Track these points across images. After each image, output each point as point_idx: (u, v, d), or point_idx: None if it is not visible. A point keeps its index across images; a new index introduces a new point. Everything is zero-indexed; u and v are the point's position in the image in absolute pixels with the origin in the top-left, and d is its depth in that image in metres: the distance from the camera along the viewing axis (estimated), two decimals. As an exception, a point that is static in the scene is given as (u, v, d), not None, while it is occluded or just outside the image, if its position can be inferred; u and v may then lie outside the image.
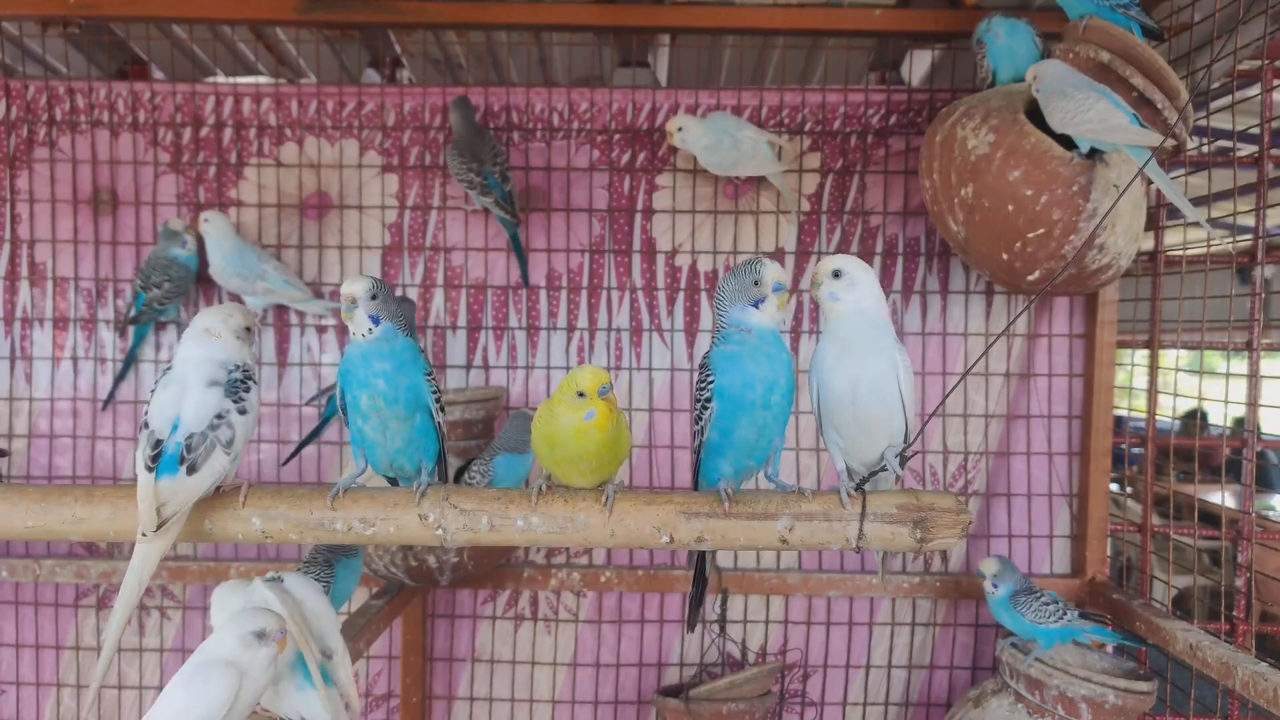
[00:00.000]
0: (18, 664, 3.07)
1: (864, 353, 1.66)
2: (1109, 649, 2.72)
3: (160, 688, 3.04)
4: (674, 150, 3.01)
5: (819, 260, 1.85)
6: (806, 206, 3.01)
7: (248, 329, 1.75)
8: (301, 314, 3.04)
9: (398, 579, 2.65)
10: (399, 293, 3.00)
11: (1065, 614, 2.45)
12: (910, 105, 2.98)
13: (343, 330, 3.04)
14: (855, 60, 3.18)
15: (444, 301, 3.04)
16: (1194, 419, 4.47)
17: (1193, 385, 2.89)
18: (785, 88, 3.02)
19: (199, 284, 2.99)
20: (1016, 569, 2.56)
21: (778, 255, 3.01)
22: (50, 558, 3.00)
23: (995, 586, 2.52)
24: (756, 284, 1.64)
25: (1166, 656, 2.53)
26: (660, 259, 3.03)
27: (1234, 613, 2.52)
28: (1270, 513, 5.70)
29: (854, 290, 1.69)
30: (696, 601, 1.93)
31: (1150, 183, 2.51)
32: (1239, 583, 2.52)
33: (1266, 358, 2.52)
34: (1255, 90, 2.58)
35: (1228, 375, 2.72)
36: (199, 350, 1.69)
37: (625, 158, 3.02)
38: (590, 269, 3.03)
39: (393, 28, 3.00)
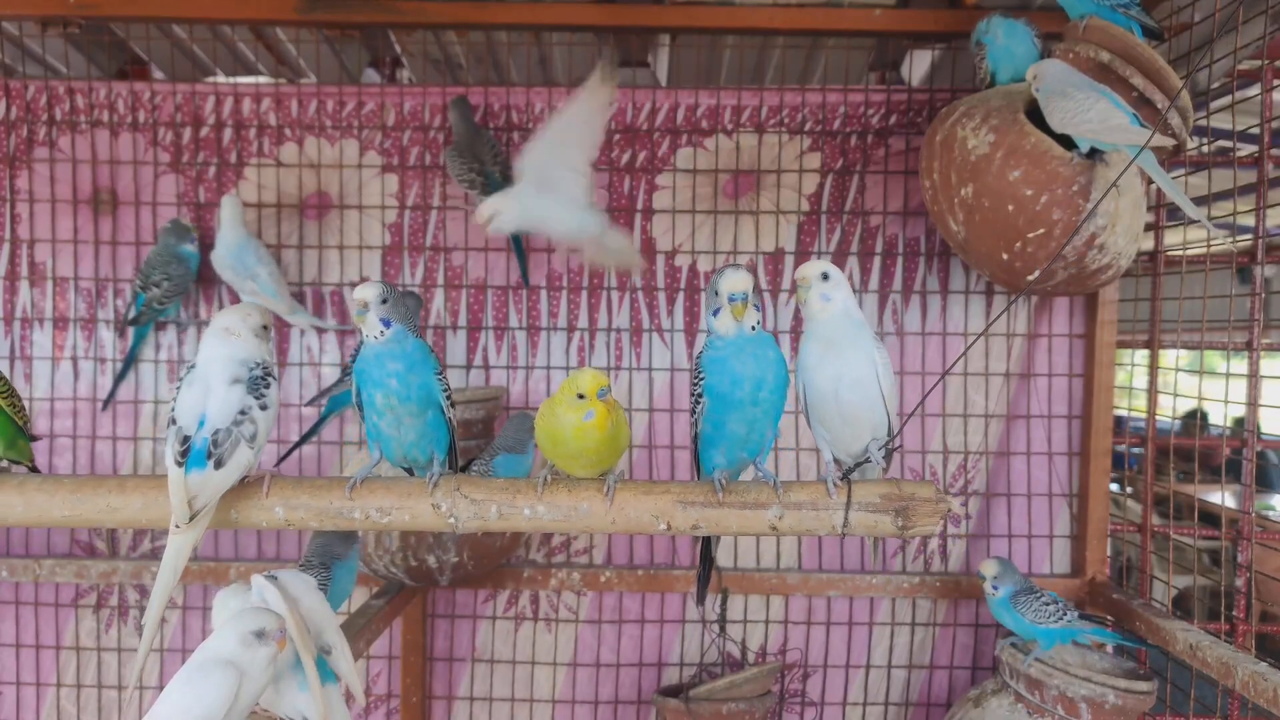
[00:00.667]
0: (17, 664, 3.07)
1: (845, 350, 1.75)
2: (1109, 649, 2.72)
3: (160, 688, 3.04)
4: (674, 150, 3.01)
5: (796, 269, 1.91)
6: (806, 206, 3.01)
7: (265, 327, 1.80)
8: (301, 314, 3.04)
9: (398, 579, 2.65)
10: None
11: (1065, 614, 2.45)
12: (910, 105, 2.98)
13: (342, 331, 3.04)
14: (855, 60, 3.18)
15: (444, 301, 3.04)
16: (1194, 419, 4.47)
17: (1193, 385, 2.89)
18: (785, 88, 3.02)
19: (199, 283, 2.99)
20: (1016, 570, 2.57)
21: (778, 255, 3.02)
22: (50, 558, 3.00)
23: (995, 588, 2.52)
24: (716, 293, 1.70)
25: (1166, 656, 2.53)
26: (660, 259, 3.03)
27: (1234, 613, 2.52)
28: (1270, 513, 5.70)
29: (840, 290, 1.78)
30: (704, 580, 2.02)
31: (1151, 183, 2.52)
32: (1239, 583, 2.52)
33: (1266, 358, 2.52)
34: (1255, 90, 2.58)
35: (1228, 375, 2.72)
36: (221, 349, 1.73)
37: (625, 158, 3.02)
38: (590, 269, 3.03)
39: (393, 28, 3.00)
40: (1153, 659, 2.71)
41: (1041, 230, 2.30)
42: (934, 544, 3.06)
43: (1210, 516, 3.15)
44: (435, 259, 3.04)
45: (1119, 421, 3.01)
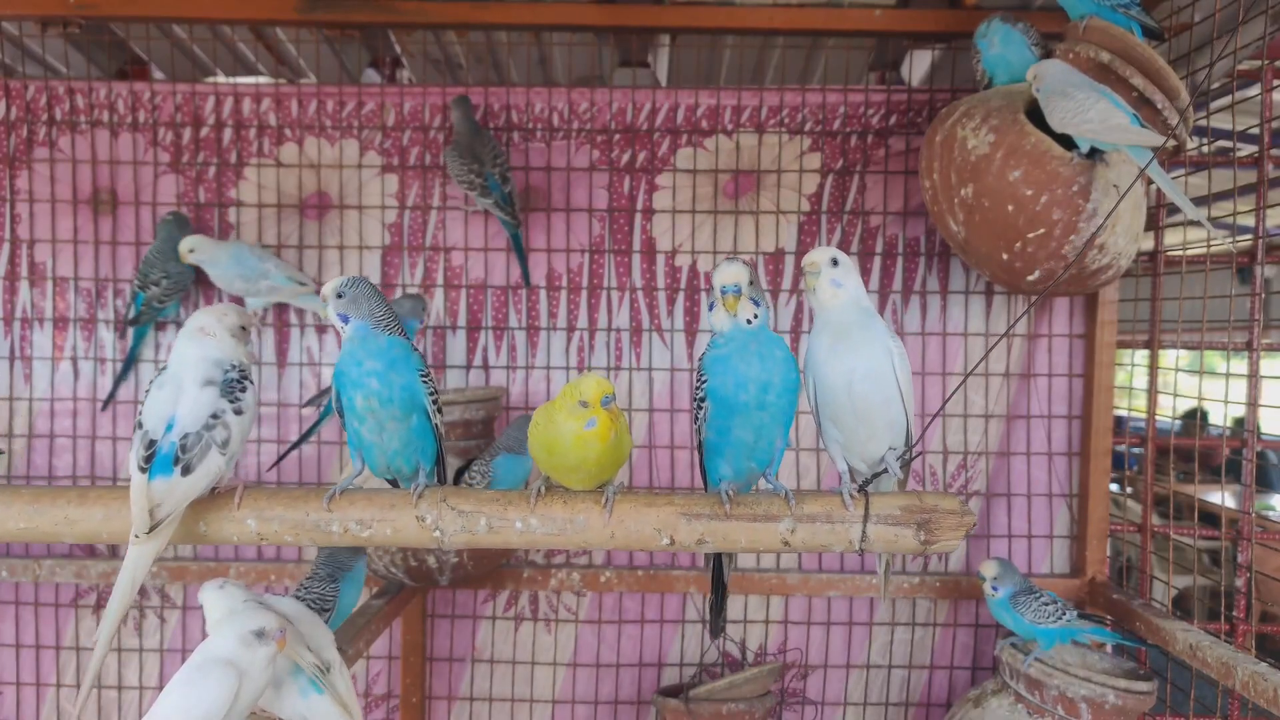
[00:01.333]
0: (17, 664, 3.07)
1: (858, 341, 1.65)
2: (1109, 649, 2.72)
3: (159, 688, 3.04)
4: (674, 150, 3.01)
5: (804, 256, 1.83)
6: (807, 206, 3.01)
7: (243, 328, 1.74)
8: (301, 314, 3.04)
9: (398, 579, 2.65)
10: (398, 292, 3.00)
11: (1065, 614, 2.45)
12: (910, 105, 2.98)
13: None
14: (855, 60, 3.18)
15: (444, 301, 3.04)
16: (1194, 418, 4.47)
17: (1193, 385, 2.89)
18: (785, 88, 3.02)
19: (198, 282, 2.99)
20: (1016, 570, 2.56)
21: (778, 255, 3.02)
22: (50, 558, 3.00)
23: (995, 589, 2.51)
24: (712, 288, 1.63)
25: (1166, 656, 2.53)
26: (660, 259, 3.03)
27: (1234, 613, 2.52)
28: (1270, 513, 5.69)
29: (852, 276, 1.68)
30: (718, 608, 1.91)
31: (1151, 183, 2.51)
32: (1239, 583, 2.52)
33: (1266, 358, 2.52)
34: (1255, 90, 2.58)
35: (1228, 375, 2.72)
36: (194, 349, 1.67)
37: (625, 158, 3.02)
38: (590, 269, 3.03)
39: (393, 28, 3.00)
40: (1153, 659, 2.71)
41: (1041, 230, 2.30)
42: (934, 544, 3.06)
43: (1210, 516, 3.15)
44: (435, 259, 3.04)
45: (1119, 421, 3.00)
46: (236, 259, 2.80)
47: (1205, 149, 2.74)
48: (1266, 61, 2.50)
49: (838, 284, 1.67)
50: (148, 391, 1.64)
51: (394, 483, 1.88)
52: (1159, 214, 2.84)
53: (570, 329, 3.03)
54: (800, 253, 3.02)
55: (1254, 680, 2.02)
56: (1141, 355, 2.97)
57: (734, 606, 3.05)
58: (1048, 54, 2.47)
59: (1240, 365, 2.61)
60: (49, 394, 3.03)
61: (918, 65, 3.37)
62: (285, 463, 2.97)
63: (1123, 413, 3.06)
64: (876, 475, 1.72)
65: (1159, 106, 2.25)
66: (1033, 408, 3.00)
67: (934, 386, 3.00)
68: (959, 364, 3.01)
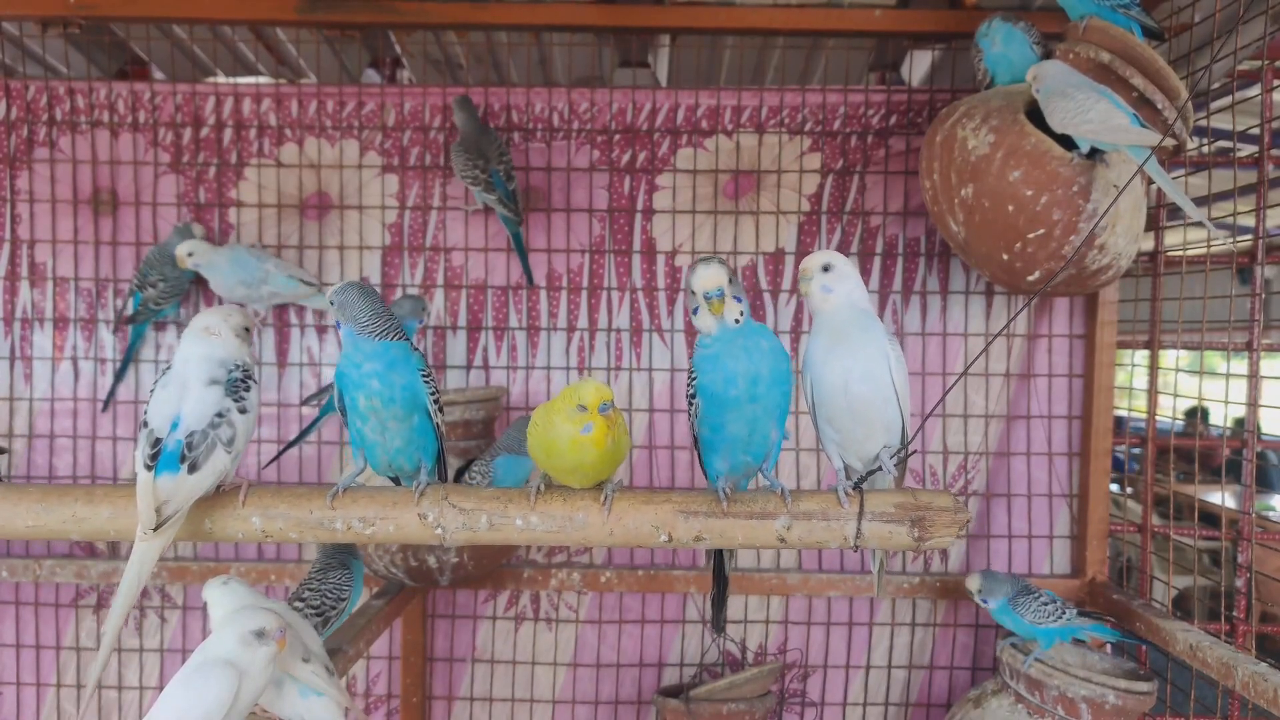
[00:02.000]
0: (18, 664, 3.07)
1: (855, 343, 1.66)
2: (1109, 649, 2.72)
3: (160, 688, 3.04)
4: (674, 150, 3.01)
5: (801, 260, 1.82)
6: (807, 207, 3.01)
7: (246, 329, 1.76)
8: (301, 314, 3.04)
9: (398, 579, 2.65)
10: (399, 292, 3.01)
11: (1064, 613, 2.45)
12: (910, 105, 2.98)
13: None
14: (855, 60, 3.18)
15: (444, 301, 3.04)
16: (1194, 416, 4.47)
17: (1193, 386, 2.88)
18: (785, 88, 3.02)
19: (197, 283, 2.99)
20: (1005, 577, 2.55)
21: (778, 255, 3.02)
22: (50, 558, 3.00)
23: (985, 601, 2.52)
24: (692, 292, 1.61)
25: (1166, 656, 2.53)
26: (660, 259, 3.03)
27: (1234, 613, 2.52)
28: (1270, 513, 5.69)
29: (845, 282, 1.69)
30: (719, 602, 1.92)
31: (1151, 183, 2.52)
32: (1239, 583, 2.52)
33: (1266, 358, 2.52)
34: (1255, 90, 2.58)
35: (1228, 375, 2.72)
36: (199, 349, 1.69)
37: (625, 158, 3.02)
38: (590, 269, 3.03)
39: (393, 28, 3.00)
40: (1153, 659, 2.71)
41: (1042, 230, 2.30)
42: (934, 544, 3.06)
43: (1210, 517, 3.15)
44: (435, 259, 3.04)
45: (1119, 422, 3.00)
46: (236, 263, 2.80)
47: (1205, 149, 2.74)
48: (1266, 61, 2.50)
49: (828, 289, 1.69)
50: (152, 391, 1.66)
51: (396, 480, 1.89)
52: (1159, 214, 2.84)
53: (570, 329, 3.03)
54: (800, 253, 3.02)
55: (1254, 680, 2.02)
56: (1142, 355, 2.97)
57: (734, 606, 3.05)
58: (1048, 54, 2.47)
59: (1240, 366, 2.61)
60: (49, 394, 3.03)
61: (918, 65, 3.38)
62: (285, 462, 2.97)
63: (1123, 413, 3.06)
64: (872, 473, 1.73)
65: (1159, 107, 2.25)
66: (1033, 408, 3.00)
67: (934, 386, 3.00)
68: (959, 364, 3.01)
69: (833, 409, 1.69)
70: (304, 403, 3.00)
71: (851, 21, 2.83)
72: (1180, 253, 2.76)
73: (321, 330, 3.05)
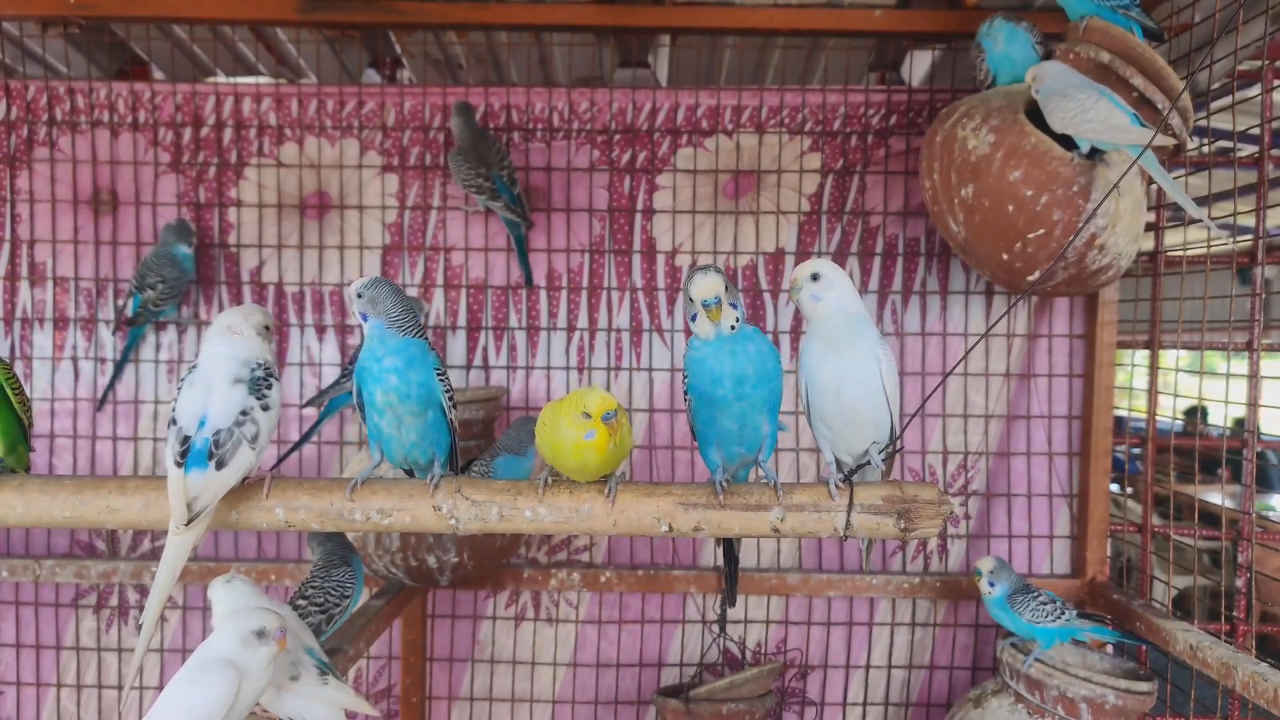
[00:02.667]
0: (18, 664, 3.07)
1: (847, 349, 1.74)
2: (1109, 649, 2.72)
3: (160, 688, 3.04)
4: (674, 150, 3.01)
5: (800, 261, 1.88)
6: (807, 207, 3.02)
7: (267, 327, 1.80)
8: (301, 314, 3.04)
9: (398, 579, 2.65)
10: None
11: (1063, 613, 2.45)
12: (910, 105, 2.98)
13: (342, 331, 3.04)
14: (855, 60, 3.18)
15: (444, 301, 3.04)
16: (1194, 415, 4.47)
17: (1193, 385, 2.89)
18: (785, 88, 3.02)
19: (198, 283, 2.99)
20: (1013, 571, 2.57)
21: (778, 255, 3.02)
22: (50, 558, 3.00)
23: (992, 585, 2.52)
24: (690, 299, 1.68)
25: (1166, 656, 2.53)
26: (660, 259, 3.03)
27: (1234, 613, 2.52)
28: (1270, 513, 5.70)
29: (833, 290, 1.75)
30: (731, 579, 2.04)
31: (1151, 183, 2.52)
32: (1239, 583, 2.52)
33: (1266, 358, 2.52)
34: (1255, 90, 2.58)
35: (1228, 376, 2.72)
36: (223, 348, 1.73)
37: (625, 158, 3.02)
38: (590, 269, 3.03)
39: (393, 28, 3.00)
40: (1153, 659, 2.71)
41: (1042, 230, 2.30)
42: (934, 544, 3.06)
43: (1210, 517, 3.15)
44: (435, 259, 3.04)
45: (1119, 422, 3.01)
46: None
47: (1205, 149, 2.75)
48: (1266, 61, 2.50)
49: (816, 298, 1.76)
50: (179, 390, 1.71)
51: (409, 472, 1.95)
52: (1159, 214, 2.84)
53: (570, 329, 3.04)
54: (800, 253, 3.02)
55: (1254, 680, 2.02)
56: (1142, 355, 2.97)
57: (734, 607, 3.05)
58: (1048, 54, 2.47)
59: (1240, 366, 2.61)
60: (49, 394, 3.03)
61: (918, 65, 3.38)
62: (286, 463, 2.97)
63: (1123, 413, 3.06)
64: (861, 466, 1.81)
65: (1159, 106, 2.25)
66: (1033, 408, 3.00)
67: (934, 386, 3.00)
68: (959, 364, 3.01)
69: (826, 410, 1.77)
70: (305, 405, 3.00)
71: (851, 21, 2.83)
72: (1180, 253, 2.76)
73: (321, 330, 3.05)
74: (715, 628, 3.01)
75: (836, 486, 1.71)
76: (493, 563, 2.75)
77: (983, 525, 3.04)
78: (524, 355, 3.04)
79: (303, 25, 2.92)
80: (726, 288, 1.66)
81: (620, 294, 3.03)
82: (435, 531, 1.79)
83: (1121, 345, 2.96)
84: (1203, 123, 2.78)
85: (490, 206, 2.81)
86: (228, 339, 1.73)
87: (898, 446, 1.82)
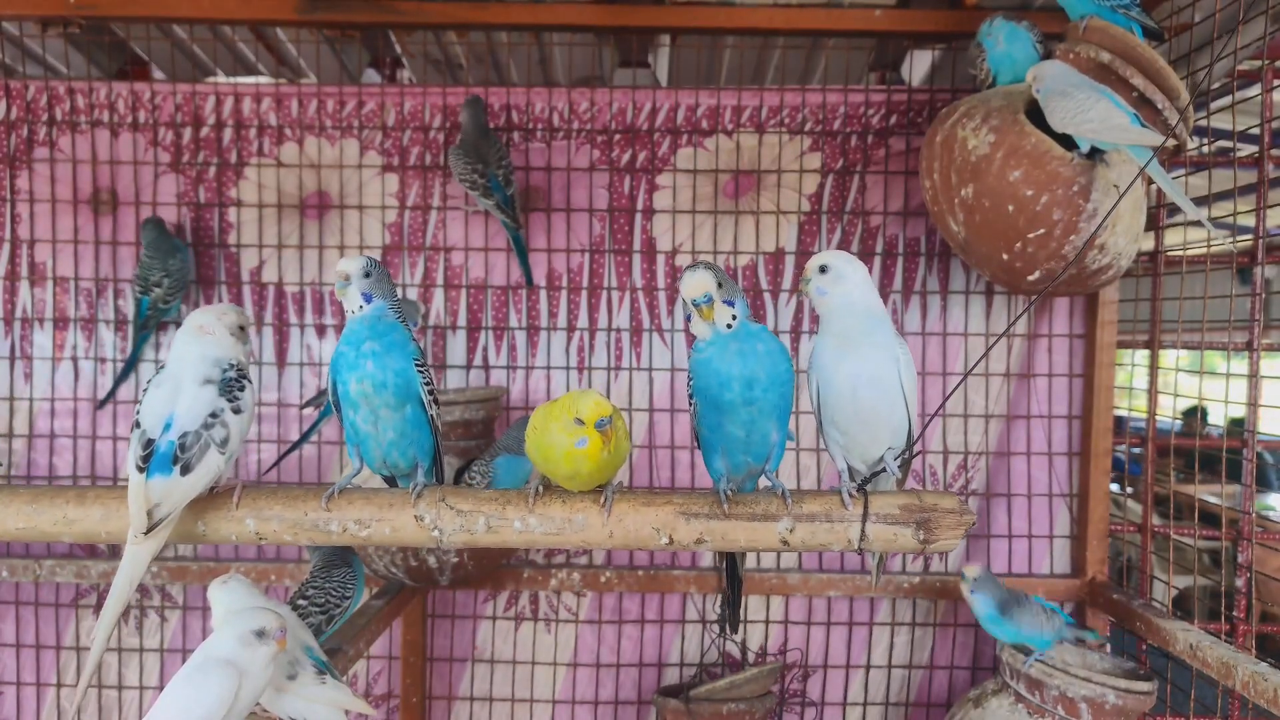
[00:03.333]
0: (18, 664, 3.07)
1: (863, 347, 1.64)
2: (1108, 649, 2.72)
3: (160, 688, 3.04)
4: (674, 150, 3.01)
5: (801, 260, 1.80)
6: (807, 206, 3.01)
7: (242, 327, 1.73)
8: (301, 314, 3.04)
9: (398, 579, 2.65)
10: (400, 294, 3.00)
11: (1054, 621, 2.46)
12: (910, 105, 2.98)
13: (342, 331, 3.04)
14: (855, 60, 3.18)
15: (444, 301, 3.04)
16: (1194, 415, 4.46)
17: (1193, 385, 2.88)
18: (785, 88, 3.02)
19: (198, 282, 2.99)
20: (999, 584, 2.54)
21: (778, 255, 3.01)
22: (50, 558, 3.00)
23: (974, 592, 2.51)
24: (683, 300, 1.61)
25: (1167, 656, 2.53)
26: (660, 259, 3.03)
27: (1234, 613, 2.52)
28: (1270, 513, 5.69)
29: (841, 284, 1.67)
30: (734, 604, 1.92)
31: (1151, 183, 2.52)
32: (1239, 583, 2.52)
33: (1267, 358, 2.51)
34: (1255, 90, 2.58)
35: (1228, 375, 2.72)
36: (193, 348, 1.66)
37: (625, 158, 3.02)
38: (590, 269, 3.03)
39: (393, 28, 3.00)
40: (1153, 659, 2.71)
41: (1042, 230, 2.30)
42: (934, 544, 3.06)
43: (1210, 516, 3.15)
44: (435, 259, 3.04)
45: (1119, 421, 3.00)
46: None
47: (1205, 149, 2.74)
48: (1266, 61, 2.49)
49: (822, 292, 1.67)
50: (145, 390, 1.63)
51: (391, 481, 1.87)
52: (1159, 214, 2.84)
53: (570, 329, 3.03)
54: (800, 252, 3.02)
55: (1254, 680, 2.02)
56: (1142, 355, 2.97)
57: (736, 631, 3.04)
58: (1048, 54, 2.47)
59: (1240, 365, 2.61)
60: (49, 394, 3.03)
61: (918, 65, 3.37)
62: (286, 463, 2.97)
63: (1123, 413, 3.05)
64: (875, 474, 1.71)
65: (1159, 106, 2.25)
66: (1033, 408, 3.00)
67: (934, 386, 3.00)
68: (959, 364, 3.01)
69: (839, 413, 1.67)
70: (304, 405, 3.00)
71: (851, 21, 2.83)
72: (1180, 252, 2.76)
73: (321, 330, 3.05)
74: (715, 628, 3.01)
75: (850, 495, 1.62)
76: (493, 563, 2.75)
77: (983, 525, 3.04)
78: (524, 355, 3.04)
79: (303, 25, 2.92)
80: (720, 284, 1.59)
81: (620, 294, 3.03)
82: (418, 544, 1.68)
83: (1121, 345, 2.96)
84: (1203, 122, 2.79)
85: (483, 204, 2.82)
86: (198, 338, 1.66)
87: (915, 452, 1.72)
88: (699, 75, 3.34)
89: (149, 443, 1.56)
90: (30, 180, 3.00)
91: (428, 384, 1.73)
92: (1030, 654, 2.47)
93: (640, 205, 3.02)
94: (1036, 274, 2.40)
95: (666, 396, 3.03)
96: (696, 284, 1.57)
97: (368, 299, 1.70)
